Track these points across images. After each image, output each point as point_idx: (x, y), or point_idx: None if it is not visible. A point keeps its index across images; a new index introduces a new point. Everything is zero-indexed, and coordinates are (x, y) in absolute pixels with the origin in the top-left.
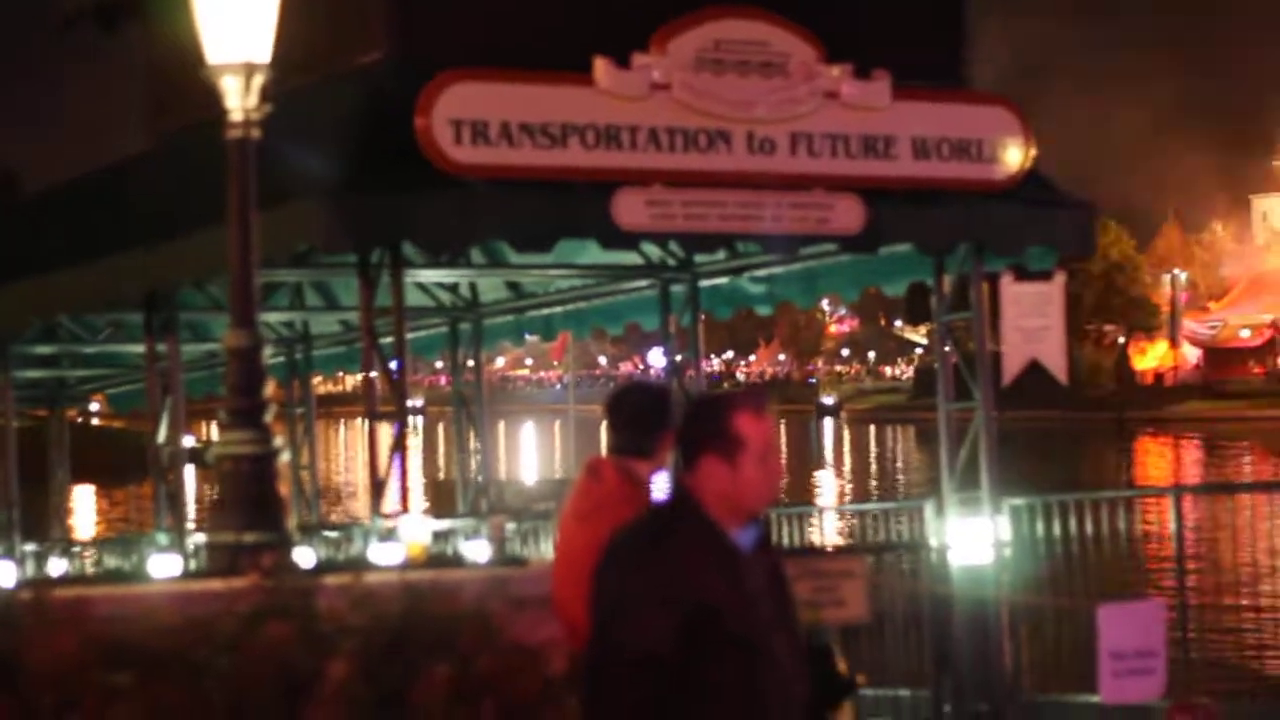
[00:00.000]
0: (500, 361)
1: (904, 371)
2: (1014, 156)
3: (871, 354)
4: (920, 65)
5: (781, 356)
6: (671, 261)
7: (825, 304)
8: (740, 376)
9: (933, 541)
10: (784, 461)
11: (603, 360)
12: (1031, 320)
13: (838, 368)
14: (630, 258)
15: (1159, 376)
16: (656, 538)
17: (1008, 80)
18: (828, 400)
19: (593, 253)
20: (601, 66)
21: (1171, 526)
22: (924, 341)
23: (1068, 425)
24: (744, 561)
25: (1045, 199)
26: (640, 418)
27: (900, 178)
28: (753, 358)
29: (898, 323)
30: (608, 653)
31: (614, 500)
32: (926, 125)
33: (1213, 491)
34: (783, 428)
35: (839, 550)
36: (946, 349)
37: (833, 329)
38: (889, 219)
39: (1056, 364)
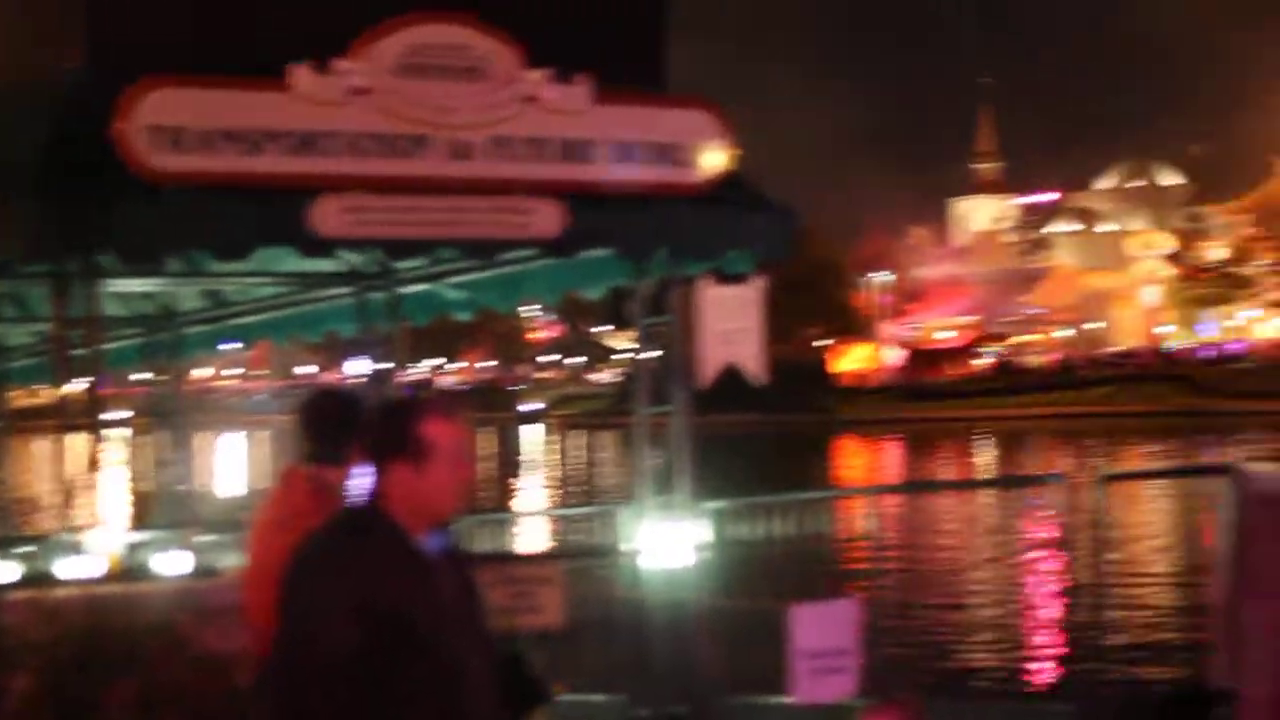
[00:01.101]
0: (203, 371)
1: (610, 377)
2: (714, 160)
3: (576, 359)
4: (621, 70)
5: (487, 363)
6: (372, 268)
7: (535, 309)
8: (444, 383)
9: (629, 546)
10: (483, 468)
11: (304, 369)
12: (730, 324)
13: (544, 374)
14: (330, 264)
15: (861, 378)
16: (344, 544)
17: (713, 89)
18: (531, 406)
19: (293, 260)
20: (300, 72)
21: (868, 526)
22: (627, 346)
23: (771, 428)
24: (434, 568)
25: (746, 203)
26: (330, 425)
27: (600, 182)
28: (458, 364)
29: (604, 328)
30: (296, 660)
31: (306, 508)
32: (627, 129)
33: (912, 491)
34: (485, 434)
35: (535, 556)
36: (647, 354)
37: (538, 334)
38: (588, 223)
39: (755, 367)
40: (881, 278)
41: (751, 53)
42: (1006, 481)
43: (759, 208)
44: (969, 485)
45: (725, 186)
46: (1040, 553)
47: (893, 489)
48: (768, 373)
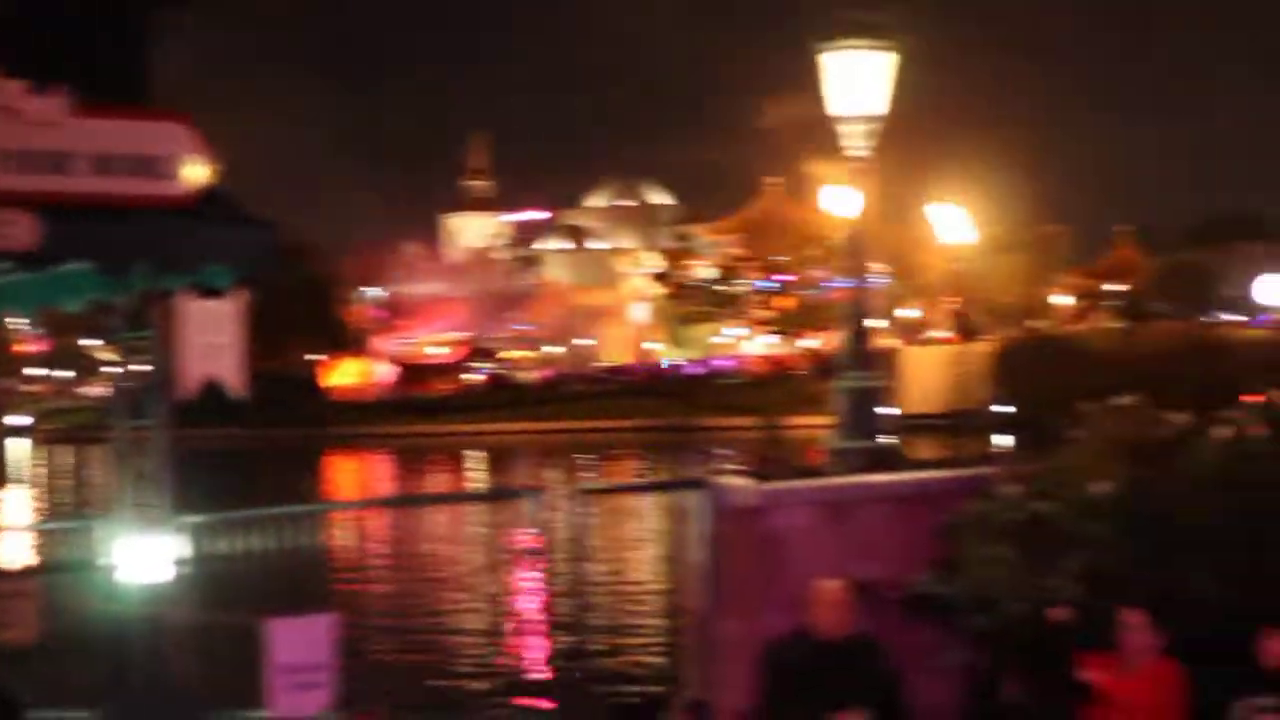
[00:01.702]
0: None
1: (100, 390)
2: (194, 173)
3: (64, 373)
4: (102, 82)
5: None
6: None
7: (22, 322)
8: None
9: (107, 561)
10: None
11: None
12: (211, 338)
13: (32, 387)
14: None
15: (354, 393)
16: None
17: (200, 104)
18: (18, 420)
19: None
20: None
21: (352, 540)
22: (113, 359)
23: (258, 443)
24: None
25: (227, 217)
26: None
27: (80, 194)
28: None
29: (92, 341)
30: None
31: None
32: (107, 141)
33: (399, 505)
34: None
35: (7, 572)
36: (130, 367)
37: (25, 347)
38: (66, 236)
39: (236, 381)
40: (374, 293)
41: (246, 69)
42: (490, 495)
43: (239, 222)
44: (453, 499)
45: (206, 200)
46: (523, 564)
47: (379, 503)
48: (251, 387)
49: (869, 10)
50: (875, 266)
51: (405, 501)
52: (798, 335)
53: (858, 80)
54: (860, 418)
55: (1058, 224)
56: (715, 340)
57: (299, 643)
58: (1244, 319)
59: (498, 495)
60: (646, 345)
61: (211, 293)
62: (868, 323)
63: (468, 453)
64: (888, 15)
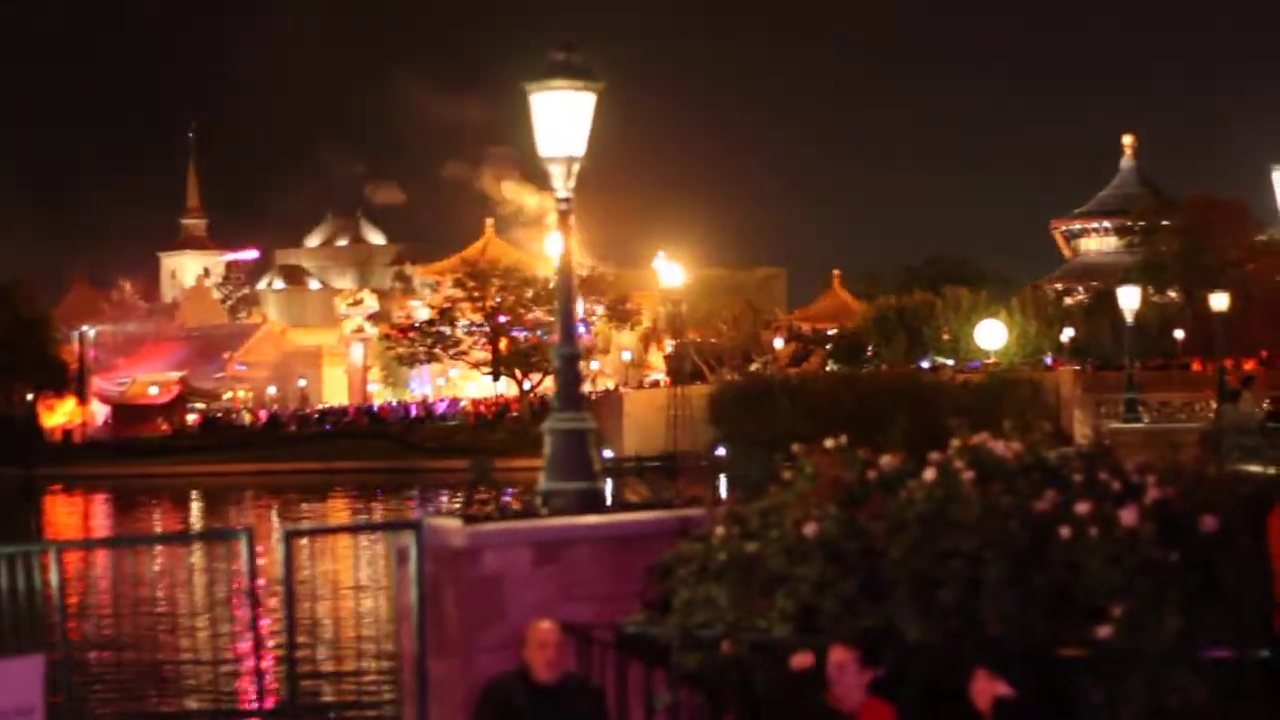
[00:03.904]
0: None
1: None
2: None
3: None
4: None
5: None
6: None
7: None
8: None
9: None
10: None
11: None
12: None
13: None
14: None
15: (68, 433)
16: None
17: None
18: None
19: None
20: None
21: (55, 580)
22: None
23: None
24: None
25: None
26: None
27: None
28: None
29: None
30: None
31: None
32: None
33: (109, 545)
34: None
35: None
36: None
37: None
38: None
39: None
40: (90, 331)
41: None
42: (202, 535)
43: None
44: (162, 539)
45: None
46: (232, 605)
47: (87, 544)
48: None
49: (569, 53)
50: (589, 308)
51: (113, 542)
52: (516, 377)
53: (562, 121)
54: (570, 459)
55: (774, 266)
56: (438, 381)
57: (5, 685)
58: (954, 363)
59: (209, 536)
60: (367, 387)
61: None
62: (578, 365)
63: (183, 494)
64: (587, 58)
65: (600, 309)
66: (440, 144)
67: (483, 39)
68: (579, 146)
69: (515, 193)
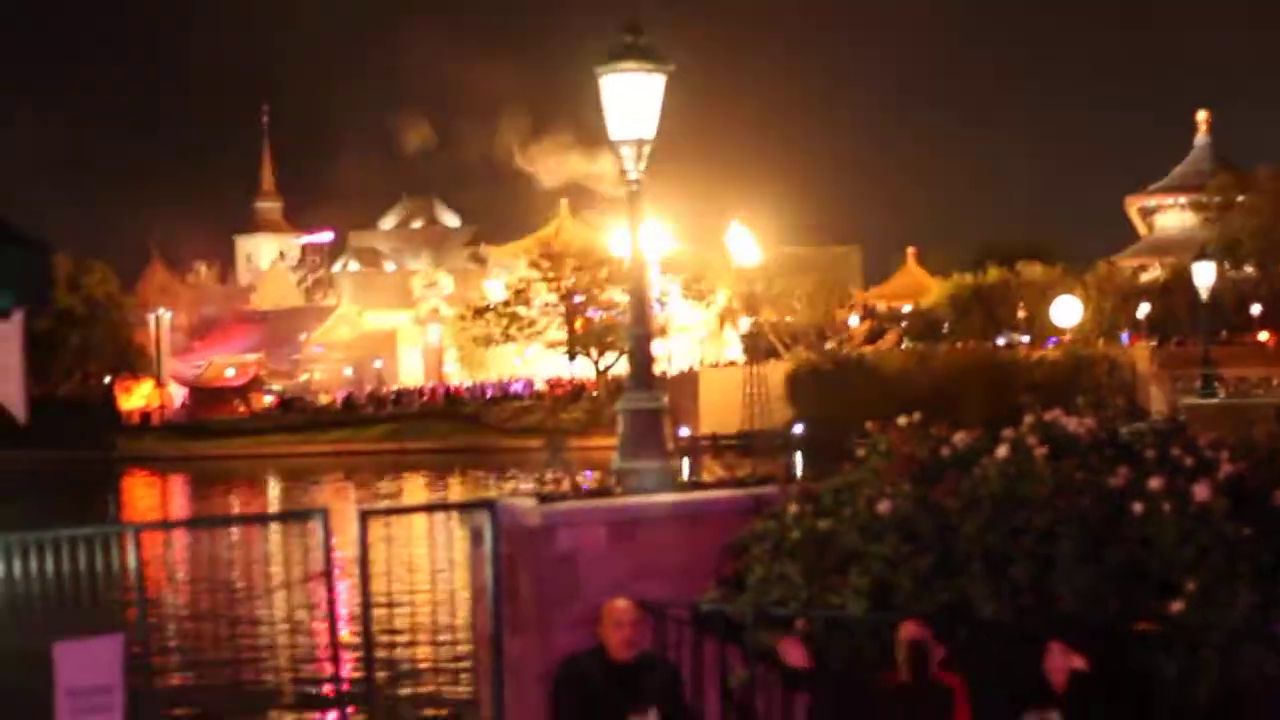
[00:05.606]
0: None
1: None
2: None
3: None
4: None
5: None
6: None
7: None
8: None
9: None
10: None
11: None
12: None
13: None
14: None
15: (146, 415)
16: None
17: None
18: None
19: None
20: None
21: (132, 562)
22: None
23: (46, 466)
24: None
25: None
26: None
27: None
28: None
29: None
30: None
31: None
32: None
33: (191, 526)
34: None
35: None
36: None
37: None
38: None
39: (16, 404)
40: (166, 314)
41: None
42: (274, 516)
43: (10, 241)
44: (238, 520)
45: None
46: (312, 584)
47: (168, 525)
48: (31, 410)
49: (639, 35)
50: (664, 287)
51: (197, 523)
52: (592, 356)
53: (631, 103)
54: (643, 438)
55: (848, 243)
56: (514, 361)
57: (86, 665)
58: (1029, 340)
59: (286, 517)
60: (442, 367)
61: None
62: (651, 344)
63: (261, 475)
64: (655, 39)
65: (675, 287)
66: (516, 125)
67: (557, 22)
68: (649, 129)
69: (587, 173)
